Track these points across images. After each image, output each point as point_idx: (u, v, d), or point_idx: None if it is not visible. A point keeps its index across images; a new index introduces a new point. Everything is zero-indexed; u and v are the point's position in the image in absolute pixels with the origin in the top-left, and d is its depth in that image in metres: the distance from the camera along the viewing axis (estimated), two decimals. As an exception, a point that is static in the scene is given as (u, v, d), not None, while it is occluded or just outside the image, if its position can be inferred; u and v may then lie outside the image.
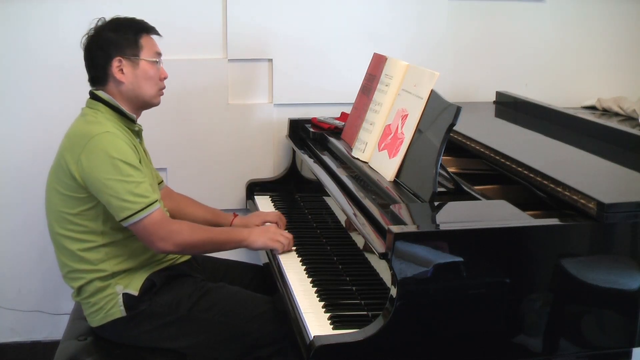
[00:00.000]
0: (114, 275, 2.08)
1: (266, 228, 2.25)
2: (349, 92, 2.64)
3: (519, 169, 2.01)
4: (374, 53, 2.43)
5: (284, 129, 2.94)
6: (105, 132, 2.01)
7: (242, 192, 2.94)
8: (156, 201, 2.02)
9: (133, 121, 2.16)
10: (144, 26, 2.18)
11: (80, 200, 2.04)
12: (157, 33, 2.20)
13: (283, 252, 2.18)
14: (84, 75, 2.75)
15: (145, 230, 2.01)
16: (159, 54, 2.18)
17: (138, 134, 2.21)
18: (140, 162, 2.09)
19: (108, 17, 2.16)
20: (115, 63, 2.10)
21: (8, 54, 2.75)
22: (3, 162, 2.82)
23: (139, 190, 1.99)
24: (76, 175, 2.01)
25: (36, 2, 2.72)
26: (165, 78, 2.20)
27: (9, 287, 2.92)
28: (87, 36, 2.15)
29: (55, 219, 2.10)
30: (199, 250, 2.17)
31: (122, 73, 2.11)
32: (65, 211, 2.06)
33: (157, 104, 2.21)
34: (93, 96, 2.15)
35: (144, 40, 2.15)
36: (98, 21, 2.15)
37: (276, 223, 2.39)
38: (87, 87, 2.77)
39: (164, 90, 2.21)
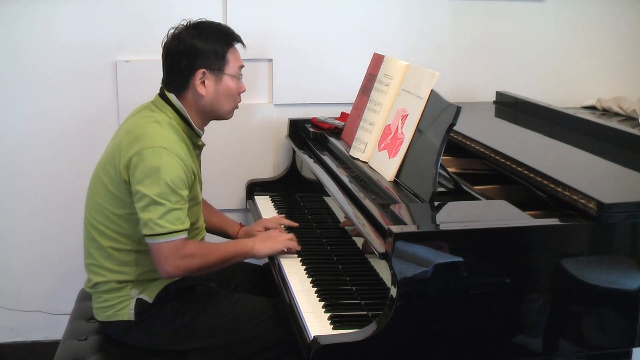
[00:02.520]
0: (133, 281, 2.07)
1: (267, 235, 2.22)
2: (349, 92, 2.64)
3: (519, 169, 2.01)
4: (374, 53, 2.43)
5: (284, 129, 2.94)
6: (163, 147, 1.94)
7: (242, 192, 2.94)
8: (181, 231, 1.96)
9: (198, 135, 2.12)
10: (232, 37, 2.11)
11: (127, 204, 2.00)
12: (243, 43, 2.14)
13: (289, 253, 2.16)
14: (80, 77, 2.77)
15: (160, 253, 1.96)
16: (241, 67, 2.13)
17: (199, 147, 2.17)
18: (194, 178, 2.04)
19: (194, 20, 2.10)
20: (198, 75, 2.04)
21: (4, 53, 2.73)
22: (2, 162, 2.82)
23: (170, 217, 1.94)
24: (122, 172, 1.97)
25: (31, 2, 2.71)
26: (243, 92, 2.15)
27: (9, 287, 2.92)
28: (171, 40, 2.08)
29: (96, 210, 2.06)
30: (208, 270, 2.11)
31: (204, 86, 2.05)
32: (109, 208, 2.03)
33: (229, 118, 2.18)
34: (163, 96, 2.09)
35: (230, 54, 2.09)
36: (187, 23, 2.09)
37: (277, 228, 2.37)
38: (83, 89, 2.80)
39: (239, 104, 2.17)
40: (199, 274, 2.10)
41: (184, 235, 1.98)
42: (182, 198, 1.97)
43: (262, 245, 2.14)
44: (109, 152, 2.07)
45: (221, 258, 2.08)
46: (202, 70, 2.04)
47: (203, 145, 2.19)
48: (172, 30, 2.09)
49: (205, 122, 2.16)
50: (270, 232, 2.25)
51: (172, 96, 2.08)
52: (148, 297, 2.07)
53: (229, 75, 2.08)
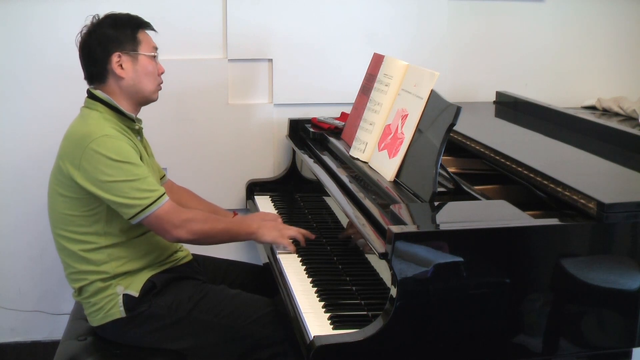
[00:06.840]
0: (115, 276, 2.08)
1: (275, 225, 2.22)
2: (349, 92, 2.64)
3: (519, 169, 2.01)
4: (374, 53, 2.43)
5: (284, 129, 2.94)
6: (104, 135, 2.00)
7: (242, 192, 2.94)
8: (164, 193, 2.03)
9: (132, 120, 2.15)
10: (141, 21, 2.18)
11: (82, 202, 2.04)
12: (152, 28, 2.21)
13: (288, 250, 2.16)
14: (81, 76, 2.76)
15: (159, 220, 2.01)
16: (155, 49, 2.18)
17: (138, 132, 2.20)
18: (141, 159, 2.08)
19: (102, 14, 2.15)
20: (114, 58, 2.09)
21: (7, 53, 2.74)
22: (2, 162, 2.82)
23: (145, 186, 2.00)
24: (78, 180, 2.00)
25: (35, 1, 2.71)
26: (162, 73, 2.20)
27: (9, 287, 2.92)
28: (83, 33, 2.14)
29: (58, 220, 2.10)
30: (212, 240, 2.13)
31: (122, 68, 2.10)
32: (67, 213, 2.06)
33: (155, 100, 2.21)
34: (91, 96, 2.14)
35: (141, 35, 2.15)
36: (93, 18, 2.14)
37: None
38: (86, 86, 2.80)
39: (162, 86, 2.21)
40: (204, 241, 2.11)
41: (167, 197, 2.03)
42: (142, 167, 2.03)
43: (267, 231, 2.16)
44: (55, 164, 2.11)
45: (224, 228, 2.12)
46: (117, 53, 2.09)
47: (141, 128, 2.22)
48: (84, 29, 2.14)
49: (135, 107, 2.18)
50: (279, 224, 2.24)
51: (97, 92, 2.13)
52: (134, 291, 2.08)
53: (144, 55, 2.13)
